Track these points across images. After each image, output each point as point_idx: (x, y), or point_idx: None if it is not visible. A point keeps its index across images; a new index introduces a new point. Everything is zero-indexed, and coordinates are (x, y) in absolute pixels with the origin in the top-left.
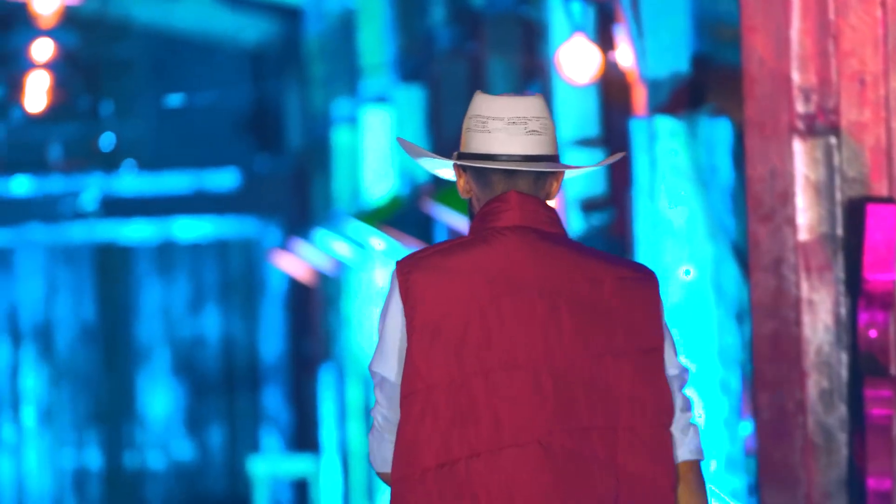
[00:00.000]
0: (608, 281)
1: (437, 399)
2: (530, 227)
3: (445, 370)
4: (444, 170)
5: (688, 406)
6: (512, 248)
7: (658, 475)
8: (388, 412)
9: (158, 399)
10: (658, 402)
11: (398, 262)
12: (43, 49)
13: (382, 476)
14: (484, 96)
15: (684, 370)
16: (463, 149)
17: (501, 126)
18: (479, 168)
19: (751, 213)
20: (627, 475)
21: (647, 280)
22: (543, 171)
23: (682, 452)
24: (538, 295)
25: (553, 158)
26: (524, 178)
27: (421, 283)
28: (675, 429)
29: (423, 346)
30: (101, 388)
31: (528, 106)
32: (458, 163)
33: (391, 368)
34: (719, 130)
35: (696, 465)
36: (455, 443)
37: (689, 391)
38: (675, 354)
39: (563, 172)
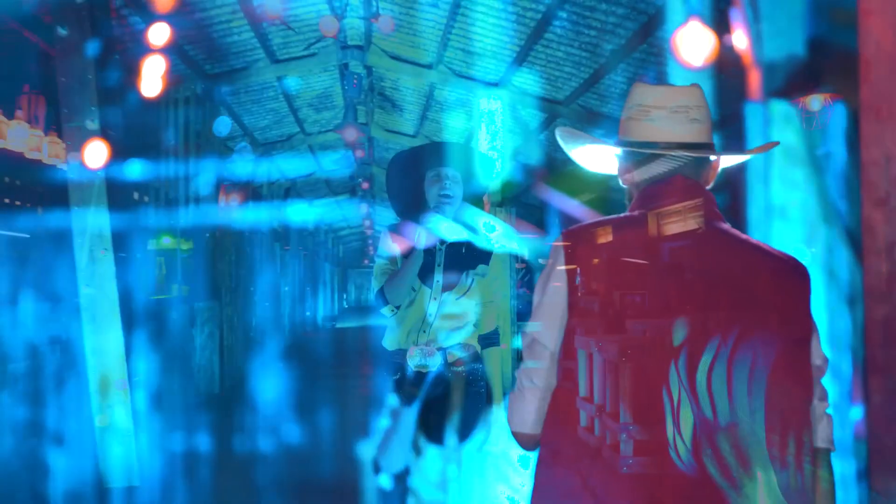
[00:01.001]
0: (764, 270)
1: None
2: (692, 212)
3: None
4: (590, 157)
5: (825, 396)
6: (674, 230)
7: (803, 459)
8: (535, 375)
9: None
10: (804, 389)
11: (563, 232)
12: (159, 33)
13: (517, 435)
14: (645, 86)
15: (826, 361)
16: (624, 136)
17: (665, 115)
18: (642, 154)
19: (865, 197)
20: (772, 457)
21: (799, 272)
22: (706, 157)
23: (815, 440)
24: (697, 276)
25: (710, 146)
26: (687, 164)
27: (584, 255)
28: (812, 416)
29: (581, 314)
30: None
31: (688, 95)
32: (626, 149)
33: (546, 333)
34: (834, 114)
35: (826, 454)
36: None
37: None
38: (820, 346)
39: (718, 159)
